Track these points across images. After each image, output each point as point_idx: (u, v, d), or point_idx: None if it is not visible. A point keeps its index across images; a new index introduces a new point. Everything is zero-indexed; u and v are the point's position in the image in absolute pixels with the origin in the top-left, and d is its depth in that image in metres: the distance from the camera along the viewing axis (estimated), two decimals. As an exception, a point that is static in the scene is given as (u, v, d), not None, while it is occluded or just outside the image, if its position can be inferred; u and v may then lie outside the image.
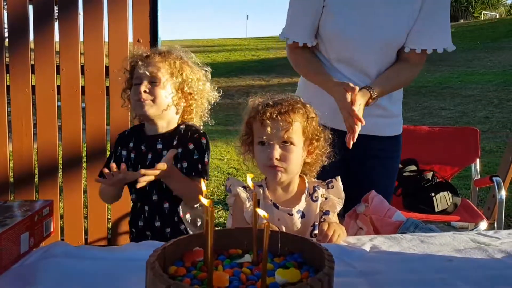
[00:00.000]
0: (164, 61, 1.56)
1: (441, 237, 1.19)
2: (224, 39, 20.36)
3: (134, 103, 1.57)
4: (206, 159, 1.57)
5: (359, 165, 1.78)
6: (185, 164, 1.54)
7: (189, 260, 0.78)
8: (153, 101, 1.54)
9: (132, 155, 1.63)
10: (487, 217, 2.94)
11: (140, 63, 1.55)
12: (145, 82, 1.54)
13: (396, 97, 1.80)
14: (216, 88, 1.70)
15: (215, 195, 4.06)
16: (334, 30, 1.68)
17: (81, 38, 2.61)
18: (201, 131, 1.60)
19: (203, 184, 0.79)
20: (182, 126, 1.61)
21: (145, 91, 1.53)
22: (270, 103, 1.33)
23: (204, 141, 1.58)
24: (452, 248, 1.13)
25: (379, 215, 1.62)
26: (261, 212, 0.69)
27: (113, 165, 1.40)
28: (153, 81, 1.55)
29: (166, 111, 1.56)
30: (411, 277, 0.96)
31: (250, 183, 0.81)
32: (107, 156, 1.74)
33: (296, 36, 1.72)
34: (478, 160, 2.82)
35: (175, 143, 1.58)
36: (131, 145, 1.64)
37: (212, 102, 1.69)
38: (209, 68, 1.68)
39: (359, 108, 1.53)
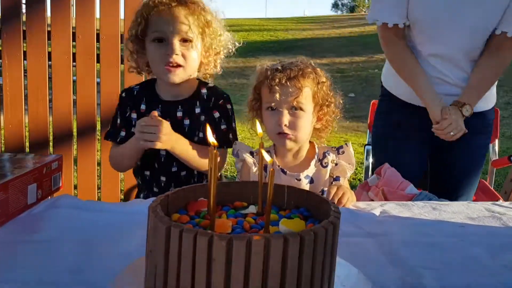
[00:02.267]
0: (192, 14, 1.32)
1: (455, 206, 1.17)
2: (243, 19, 20.18)
3: (157, 67, 1.35)
4: (234, 125, 1.45)
5: (442, 141, 1.69)
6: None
7: (193, 209, 0.77)
8: (185, 64, 1.33)
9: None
10: (504, 200, 2.88)
11: (160, 17, 1.30)
12: (175, 42, 1.30)
13: None
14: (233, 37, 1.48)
15: (229, 172, 4.06)
16: (422, 11, 1.61)
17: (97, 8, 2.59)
18: (224, 95, 1.44)
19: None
20: (204, 90, 1.43)
21: (176, 55, 1.30)
22: (279, 67, 1.29)
23: (229, 106, 1.43)
24: (466, 216, 1.10)
25: (391, 187, 1.60)
26: (265, 155, 0.67)
27: (155, 113, 1.26)
28: (184, 40, 1.32)
29: (192, 74, 1.39)
30: (421, 239, 0.94)
31: (259, 129, 0.79)
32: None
33: (384, 16, 1.63)
34: (497, 141, 2.74)
35: (197, 110, 1.41)
36: (143, 107, 1.43)
37: (231, 51, 1.47)
38: (223, 13, 1.45)
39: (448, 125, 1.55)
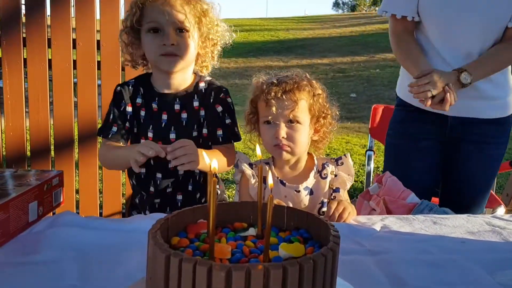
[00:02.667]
0: (188, 3, 1.30)
1: (455, 219, 1.16)
2: (243, 19, 20.20)
3: (154, 56, 1.32)
4: (235, 119, 1.42)
5: (455, 150, 1.71)
6: (219, 132, 1.36)
7: (192, 232, 0.77)
8: (182, 54, 1.31)
9: (142, 113, 1.40)
10: (506, 203, 2.88)
11: (156, 7, 1.27)
12: (171, 31, 1.28)
13: (498, 80, 1.66)
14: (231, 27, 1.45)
15: (230, 174, 4.06)
16: (434, 7, 1.61)
17: (97, 15, 2.59)
18: (223, 89, 1.41)
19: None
20: (203, 84, 1.40)
21: (172, 44, 1.28)
22: (275, 81, 1.30)
23: (229, 99, 1.40)
24: (466, 230, 1.10)
25: (392, 196, 1.59)
26: (269, 179, 0.67)
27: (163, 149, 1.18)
28: (180, 30, 1.30)
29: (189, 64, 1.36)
30: (421, 257, 0.94)
31: (258, 152, 0.79)
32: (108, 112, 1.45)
33: (394, 8, 1.65)
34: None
35: (196, 104, 1.38)
36: (138, 100, 1.39)
37: (228, 43, 1.44)
38: (219, 4, 1.42)
39: (430, 81, 1.46)
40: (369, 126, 2.70)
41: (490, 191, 1.82)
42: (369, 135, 2.80)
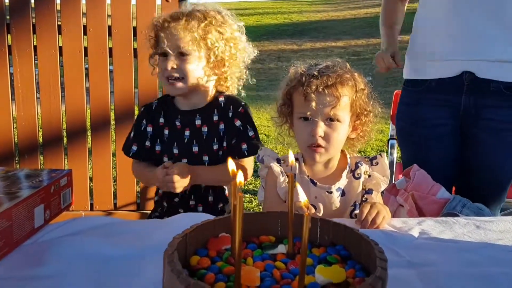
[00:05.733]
0: (188, 27, 1.36)
1: (500, 223, 1.05)
2: (256, 2, 19.91)
3: (162, 79, 1.42)
4: (257, 131, 1.46)
5: (470, 138, 1.58)
6: (244, 146, 1.41)
7: (214, 248, 0.67)
8: (183, 78, 1.38)
9: (166, 131, 1.46)
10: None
11: (162, 34, 1.37)
12: (172, 58, 1.37)
13: None
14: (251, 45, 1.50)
15: (253, 184, 3.89)
16: None
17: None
18: (242, 102, 1.46)
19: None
20: (222, 99, 1.45)
21: (172, 68, 1.37)
22: (315, 73, 1.17)
23: (249, 112, 1.45)
24: (514, 236, 0.99)
25: (422, 192, 1.49)
26: (301, 194, 0.57)
27: (167, 164, 1.34)
28: (180, 55, 1.37)
29: (199, 84, 1.41)
30: (469, 271, 0.84)
31: (291, 158, 0.69)
32: (134, 125, 1.55)
33: None
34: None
35: (216, 118, 1.44)
36: (161, 120, 1.47)
37: (249, 61, 1.49)
38: (241, 23, 1.48)
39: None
40: (391, 113, 2.57)
41: (510, 183, 1.68)
42: (391, 122, 2.67)
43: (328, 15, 15.61)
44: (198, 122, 1.44)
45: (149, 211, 1.64)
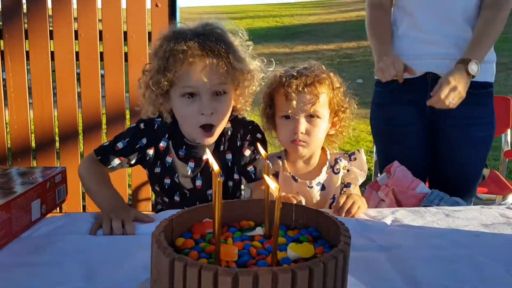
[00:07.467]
0: (220, 58, 1.15)
1: (468, 211, 1.13)
2: (247, 5, 20.01)
3: (192, 126, 1.22)
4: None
5: (438, 135, 1.64)
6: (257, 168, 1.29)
7: (198, 232, 0.74)
8: (218, 122, 1.20)
9: (169, 159, 1.30)
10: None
11: (194, 65, 1.13)
12: (209, 98, 1.17)
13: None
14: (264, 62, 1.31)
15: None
16: None
17: (99, 4, 2.55)
18: (250, 126, 1.31)
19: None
20: (228, 125, 1.29)
21: (212, 113, 1.17)
22: (294, 74, 1.25)
23: (259, 135, 1.31)
24: (480, 223, 1.07)
25: (401, 186, 1.56)
26: (271, 184, 0.64)
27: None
28: (217, 93, 1.18)
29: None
30: (435, 253, 0.91)
31: (262, 151, 0.76)
32: (125, 130, 1.37)
33: None
34: (509, 131, 2.69)
35: (222, 148, 1.30)
36: (162, 144, 1.29)
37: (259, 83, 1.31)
38: (251, 42, 1.29)
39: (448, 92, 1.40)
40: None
41: (480, 177, 1.76)
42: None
43: (320, 18, 15.75)
44: (204, 156, 1.29)
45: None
